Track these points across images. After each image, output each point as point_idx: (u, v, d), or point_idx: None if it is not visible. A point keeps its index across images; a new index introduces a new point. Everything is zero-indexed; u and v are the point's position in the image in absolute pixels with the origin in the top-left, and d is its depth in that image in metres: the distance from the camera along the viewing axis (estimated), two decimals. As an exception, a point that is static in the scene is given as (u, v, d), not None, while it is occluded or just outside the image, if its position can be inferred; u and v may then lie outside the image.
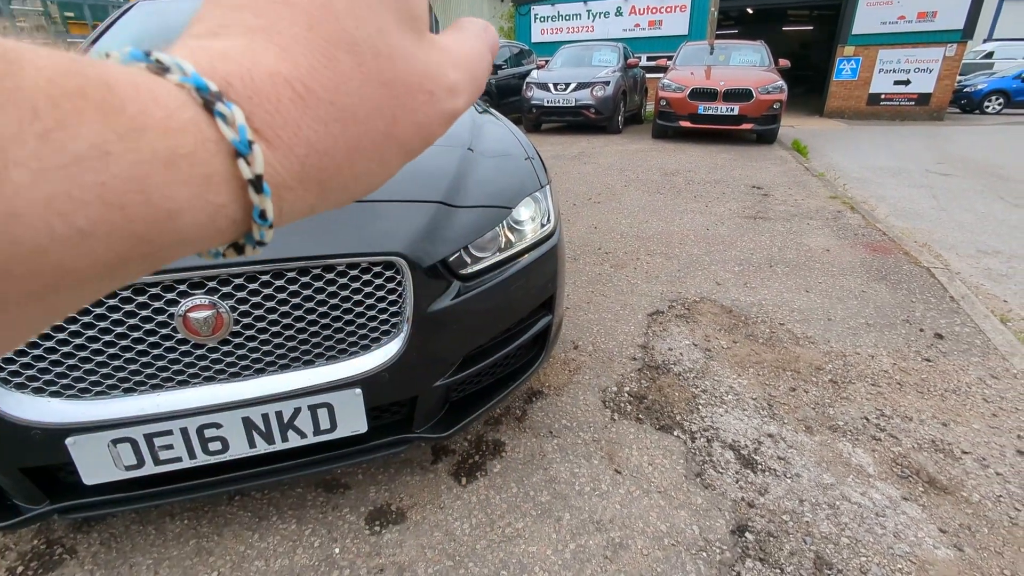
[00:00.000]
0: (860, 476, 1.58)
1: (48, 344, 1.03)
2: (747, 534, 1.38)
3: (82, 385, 1.07)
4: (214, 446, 1.15)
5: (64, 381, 1.06)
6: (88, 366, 1.06)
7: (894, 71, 13.30)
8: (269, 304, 1.11)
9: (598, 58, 10.08)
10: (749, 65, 8.73)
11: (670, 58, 9.72)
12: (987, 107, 15.34)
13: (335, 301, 1.16)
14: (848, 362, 2.19)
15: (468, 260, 1.32)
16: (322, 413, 1.19)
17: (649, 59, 12.91)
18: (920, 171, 6.27)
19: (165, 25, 2.61)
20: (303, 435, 1.20)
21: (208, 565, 1.28)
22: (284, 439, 1.19)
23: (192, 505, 1.44)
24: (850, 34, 13.20)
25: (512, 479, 1.54)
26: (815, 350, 2.28)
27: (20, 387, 1.05)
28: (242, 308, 1.10)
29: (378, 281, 1.18)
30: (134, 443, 1.09)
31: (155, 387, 1.11)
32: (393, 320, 1.22)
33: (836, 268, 3.16)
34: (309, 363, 1.19)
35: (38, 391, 1.06)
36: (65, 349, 1.04)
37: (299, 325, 1.15)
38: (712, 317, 2.57)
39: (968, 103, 15.43)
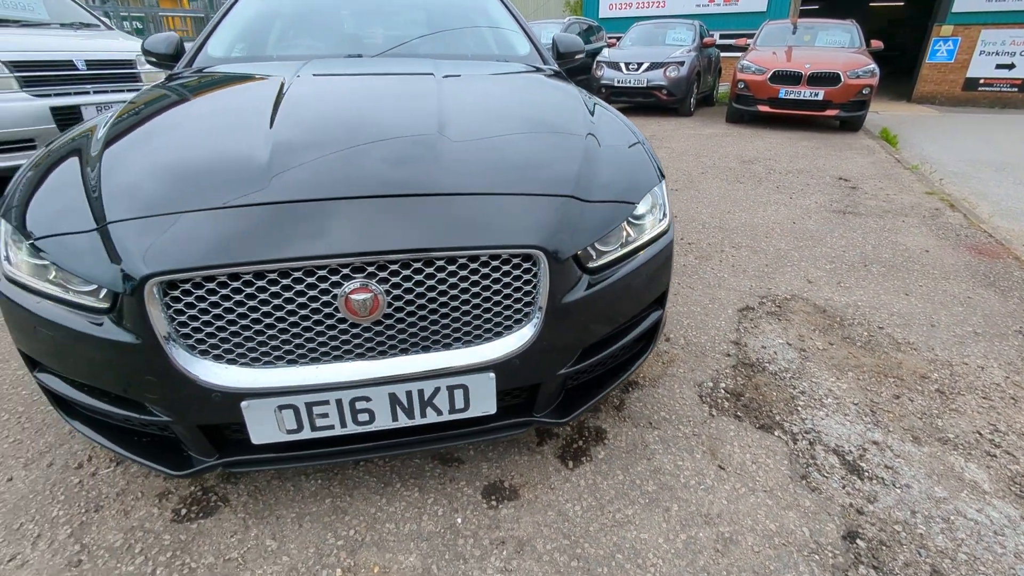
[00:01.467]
0: (975, 492, 1.54)
1: (229, 317, 1.14)
2: (858, 541, 1.38)
3: (254, 355, 1.19)
4: (362, 417, 1.25)
5: (240, 350, 1.18)
6: (261, 338, 1.17)
7: (997, 53, 12.19)
8: (418, 289, 1.19)
9: (672, 36, 9.73)
10: (837, 46, 8.21)
11: (748, 37, 9.27)
12: (1104, 95, 13.86)
13: (476, 289, 1.22)
14: (955, 372, 2.10)
15: (594, 254, 1.35)
16: (458, 393, 1.27)
17: (723, 37, 12.36)
18: (1026, 166, 5.79)
19: (274, 11, 2.73)
20: (439, 412, 1.29)
21: (345, 523, 1.40)
22: (423, 415, 1.28)
23: (323, 467, 1.56)
24: (950, 12, 12.15)
25: (617, 466, 1.59)
26: (918, 357, 2.20)
27: (204, 353, 1.17)
28: (395, 292, 1.18)
29: (516, 272, 1.24)
30: (296, 410, 1.20)
31: (313, 360, 1.21)
32: (526, 310, 1.28)
33: (937, 271, 3.00)
34: (447, 346, 1.27)
35: (218, 358, 1.18)
36: (243, 322, 1.15)
37: (443, 310, 1.23)
38: (805, 316, 2.51)
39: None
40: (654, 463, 1.61)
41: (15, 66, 4.19)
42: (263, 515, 1.43)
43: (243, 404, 1.17)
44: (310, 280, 1.14)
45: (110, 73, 4.75)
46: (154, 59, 2.51)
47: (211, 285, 1.12)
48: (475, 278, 1.22)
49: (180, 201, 1.20)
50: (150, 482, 1.53)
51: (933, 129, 8.55)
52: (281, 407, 1.19)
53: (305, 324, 1.17)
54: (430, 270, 1.18)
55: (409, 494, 1.49)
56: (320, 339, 1.19)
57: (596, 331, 1.41)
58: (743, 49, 8.90)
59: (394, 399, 1.24)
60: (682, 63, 8.65)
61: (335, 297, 1.15)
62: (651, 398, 1.91)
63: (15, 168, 4.31)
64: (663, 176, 1.63)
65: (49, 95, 4.35)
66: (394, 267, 1.16)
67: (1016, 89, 12.25)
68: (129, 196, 1.22)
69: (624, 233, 1.43)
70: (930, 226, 3.72)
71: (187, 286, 1.11)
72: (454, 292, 1.21)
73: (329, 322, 1.18)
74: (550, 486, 1.52)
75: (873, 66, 7.24)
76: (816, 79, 7.23)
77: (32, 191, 1.35)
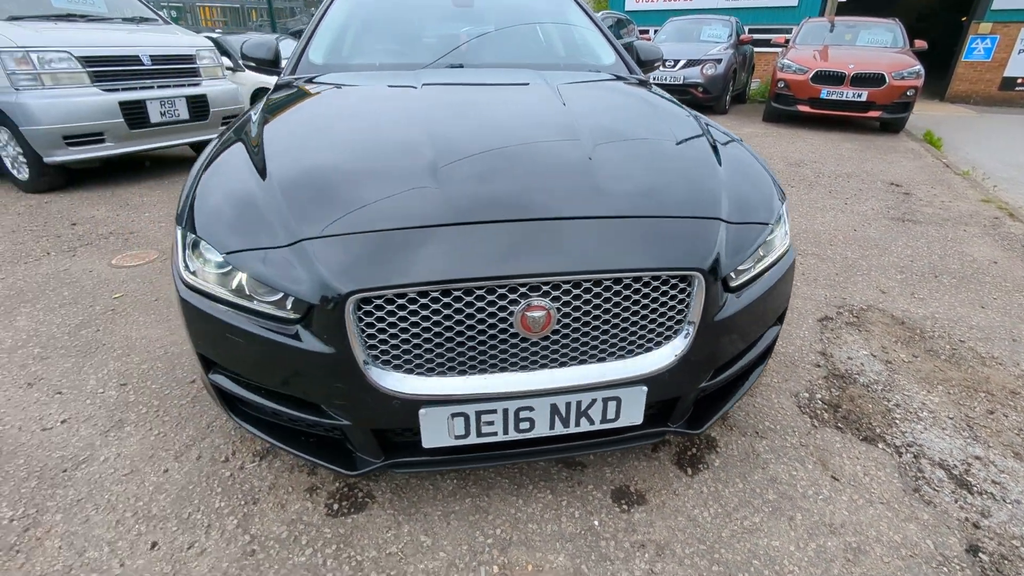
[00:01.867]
0: (1084, 509, 1.59)
1: (414, 330, 1.22)
2: (981, 555, 1.44)
3: (430, 365, 1.27)
4: (524, 425, 1.33)
5: (418, 361, 1.26)
6: (439, 350, 1.25)
7: (1037, 53, 11.96)
8: (585, 307, 1.26)
9: (707, 33, 9.66)
10: (880, 46, 8.11)
11: (778, 32, 9.18)
12: None
13: (635, 307, 1.29)
14: (1044, 388, 2.14)
15: (733, 274, 1.41)
16: (611, 405, 1.35)
17: (751, 31, 12.20)
18: (1078, 174, 5.73)
19: (366, 18, 2.80)
20: (591, 422, 1.36)
21: (489, 523, 1.49)
22: (576, 424, 1.36)
23: (458, 469, 1.65)
24: (989, 9, 11.91)
25: (735, 474, 1.66)
26: (1005, 372, 2.24)
27: (386, 364, 1.26)
28: (564, 309, 1.25)
29: (672, 291, 1.31)
30: (467, 417, 1.28)
31: (483, 371, 1.29)
32: (676, 326, 1.35)
33: (1010, 283, 3.02)
34: (602, 359, 1.34)
35: (398, 368, 1.26)
36: (426, 335, 1.23)
37: (603, 326, 1.30)
38: (884, 328, 2.55)
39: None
40: (769, 472, 1.68)
41: (87, 61, 4.30)
42: (410, 512, 1.52)
43: (421, 411, 1.25)
44: (491, 297, 1.21)
45: (172, 68, 4.84)
46: (253, 63, 2.58)
47: (401, 300, 1.19)
48: (635, 296, 1.28)
49: (367, 219, 1.28)
50: (295, 477, 1.62)
51: (975, 131, 8.45)
52: (454, 415, 1.27)
53: (480, 338, 1.25)
54: (597, 289, 1.26)
55: (543, 496, 1.58)
56: (492, 351, 1.27)
57: (734, 346, 1.47)
58: (779, 46, 8.83)
59: (554, 409, 1.32)
60: (719, 60, 8.60)
61: (511, 313, 1.23)
62: (752, 408, 1.97)
63: (87, 160, 4.44)
64: (784, 194, 1.68)
65: (117, 90, 4.46)
66: (567, 286, 1.24)
67: (1056, 90, 12.03)
68: (316, 213, 1.31)
69: (759, 252, 1.49)
70: (993, 236, 3.73)
71: (379, 301, 1.19)
72: (615, 309, 1.29)
73: (502, 336, 1.26)
74: (674, 492, 1.60)
75: (919, 67, 7.17)
76: (860, 80, 7.17)
77: (210, 200, 1.44)
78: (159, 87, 4.75)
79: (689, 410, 1.54)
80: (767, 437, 1.83)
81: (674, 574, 1.36)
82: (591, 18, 2.91)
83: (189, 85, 4.98)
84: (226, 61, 6.02)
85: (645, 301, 1.30)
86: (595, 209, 1.34)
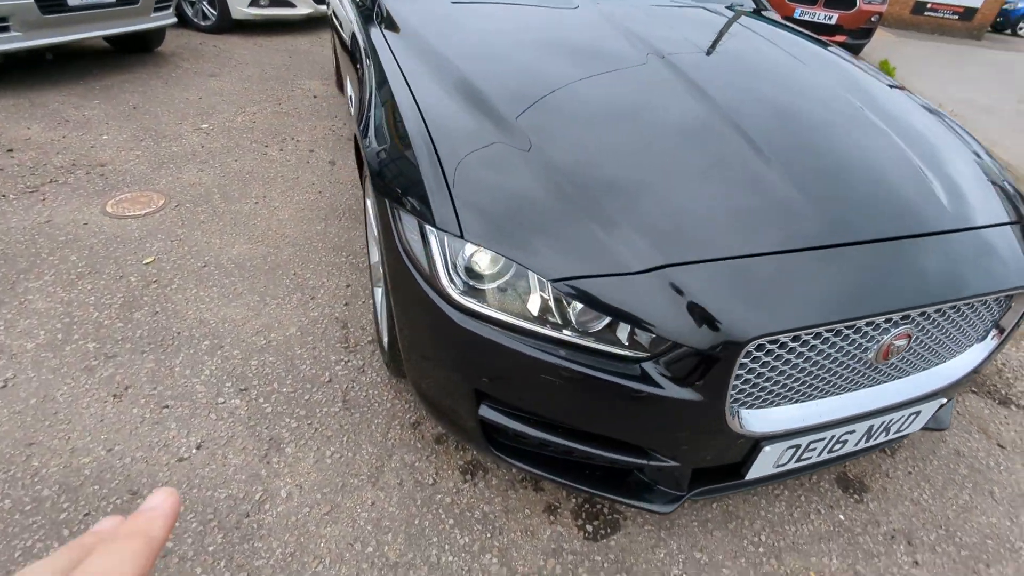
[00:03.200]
0: None
1: (779, 367, 1.06)
2: None
3: (772, 398, 1.13)
4: (836, 447, 1.26)
5: (764, 395, 1.12)
6: (789, 383, 1.11)
7: (948, -23, 12.67)
8: (927, 326, 1.17)
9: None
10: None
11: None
12: (1021, 29, 15.09)
13: (964, 321, 1.23)
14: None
15: None
16: (911, 418, 1.31)
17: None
18: (1012, 109, 6.32)
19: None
20: (887, 434, 1.32)
21: (748, 528, 1.45)
22: (878, 439, 1.31)
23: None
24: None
25: (926, 451, 1.75)
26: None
27: (739, 403, 1.10)
28: (914, 334, 1.15)
29: (997, 303, 1.25)
30: (797, 447, 1.19)
31: (819, 398, 1.18)
32: (983, 334, 1.31)
33: None
34: (908, 373, 1.28)
35: (749, 405, 1.11)
36: (787, 370, 1.08)
37: (932, 343, 1.22)
38: None
39: (1004, 21, 15.10)
40: (951, 446, 1.78)
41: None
42: (665, 526, 1.44)
43: (765, 448, 1.14)
44: (867, 329, 1.08)
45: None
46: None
47: (784, 339, 1.02)
48: (969, 311, 1.21)
49: (725, 234, 1.05)
50: (524, 496, 1.46)
51: (910, 60, 8.95)
52: (790, 447, 1.17)
53: (836, 368, 1.13)
54: (951, 311, 1.16)
55: (779, 493, 1.56)
56: (841, 379, 1.16)
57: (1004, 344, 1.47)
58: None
59: (869, 430, 1.26)
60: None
61: (875, 342, 1.10)
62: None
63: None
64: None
65: (20, -45, 3.30)
66: (931, 311, 1.13)
67: (957, 17, 12.95)
68: (645, 216, 1.06)
69: None
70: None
71: (767, 343, 1.01)
72: (948, 324, 1.21)
73: (856, 364, 1.14)
74: (886, 474, 1.66)
75: (885, -8, 7.28)
76: (833, 1, 7.18)
77: (482, 192, 1.12)
78: (75, -44, 3.58)
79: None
80: None
81: (936, 564, 1.44)
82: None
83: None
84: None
85: (973, 313, 1.23)
86: (936, 221, 1.21)
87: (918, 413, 1.30)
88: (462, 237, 1.07)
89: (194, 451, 1.47)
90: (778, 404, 1.15)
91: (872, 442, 1.31)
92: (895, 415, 1.26)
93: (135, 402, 1.58)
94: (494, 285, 1.07)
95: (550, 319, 1.04)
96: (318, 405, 1.64)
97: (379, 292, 1.87)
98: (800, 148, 1.32)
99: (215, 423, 1.55)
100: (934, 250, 1.15)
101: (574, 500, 1.47)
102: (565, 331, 1.04)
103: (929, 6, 13.06)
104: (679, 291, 0.99)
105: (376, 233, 1.55)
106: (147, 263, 2.14)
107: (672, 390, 1.02)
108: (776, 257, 1.04)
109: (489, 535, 1.36)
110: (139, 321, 1.87)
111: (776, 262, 1.04)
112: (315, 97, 3.86)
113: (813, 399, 1.18)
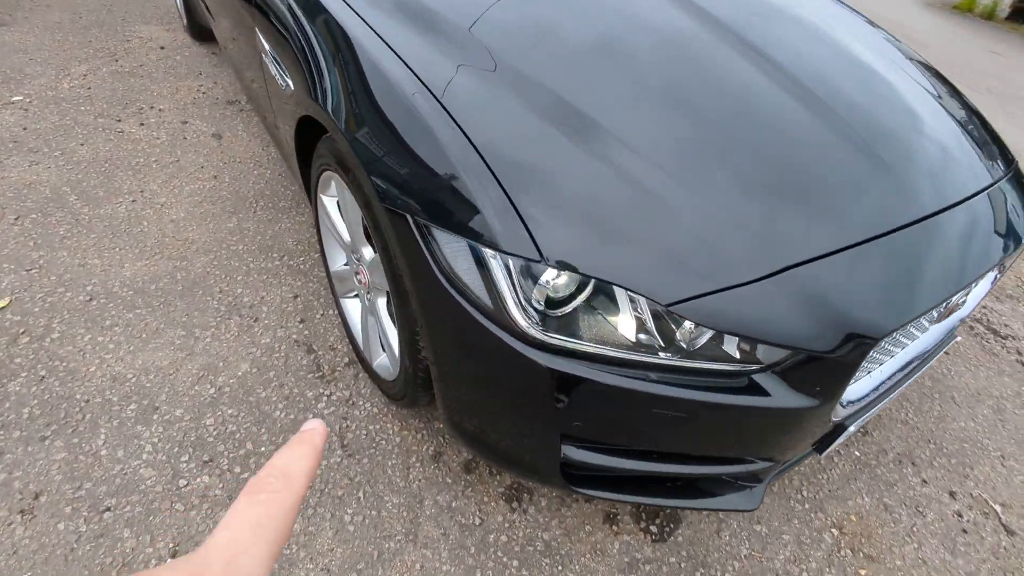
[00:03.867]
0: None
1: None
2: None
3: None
4: (887, 395, 1.27)
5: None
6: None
7: None
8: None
9: None
10: None
11: None
12: None
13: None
14: None
15: None
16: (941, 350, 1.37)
17: None
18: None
19: None
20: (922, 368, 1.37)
21: (788, 485, 1.48)
22: (914, 376, 1.35)
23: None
24: None
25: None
26: None
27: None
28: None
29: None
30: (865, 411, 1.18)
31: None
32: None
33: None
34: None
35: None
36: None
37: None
38: None
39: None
40: None
41: None
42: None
43: (850, 427, 1.11)
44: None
45: None
46: None
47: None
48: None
49: (828, 228, 0.94)
50: (577, 512, 1.34)
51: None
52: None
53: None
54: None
55: (802, 442, 1.60)
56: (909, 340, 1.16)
57: None
58: None
59: (912, 370, 1.28)
60: None
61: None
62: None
63: None
64: None
65: None
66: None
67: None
68: (763, 218, 0.91)
69: None
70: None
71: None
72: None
73: (926, 323, 1.14)
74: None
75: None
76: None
77: (549, 193, 0.88)
78: None
79: None
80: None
81: (938, 478, 1.58)
82: None
83: None
84: None
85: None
86: (986, 175, 1.20)
87: (947, 342, 1.36)
88: (542, 260, 0.84)
89: (170, 560, 1.13)
90: (858, 379, 1.12)
91: (910, 381, 1.36)
92: (935, 352, 1.30)
93: (57, 514, 1.17)
94: (572, 310, 0.87)
95: (645, 342, 0.88)
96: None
97: (350, 304, 1.55)
98: (866, 115, 1.21)
99: (186, 515, 1.20)
100: (996, 203, 1.14)
101: (629, 509, 1.38)
102: (663, 353, 0.89)
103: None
104: (804, 293, 0.87)
105: (370, 248, 1.24)
106: (0, 308, 1.58)
107: (784, 399, 0.93)
108: (888, 239, 0.96)
109: (560, 567, 1.23)
110: (20, 396, 1.37)
111: (888, 244, 0.96)
112: (162, 48, 3.06)
113: (885, 364, 1.17)
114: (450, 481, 1.35)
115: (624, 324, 0.88)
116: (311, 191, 1.48)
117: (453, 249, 0.90)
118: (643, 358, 0.89)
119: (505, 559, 1.23)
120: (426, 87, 1.00)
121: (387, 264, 1.08)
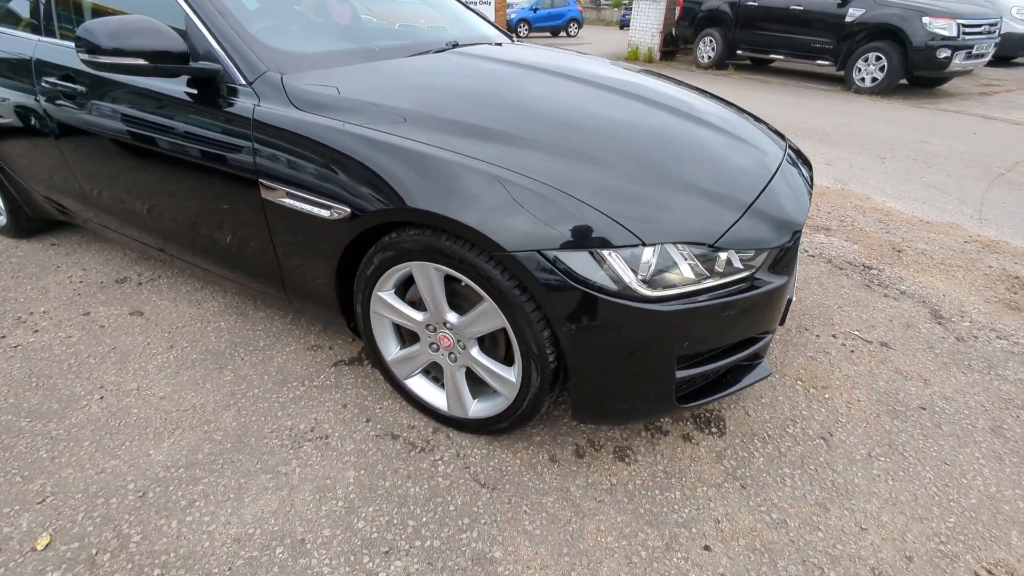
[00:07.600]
0: None
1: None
2: (827, 263, 3.05)
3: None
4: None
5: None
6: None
7: None
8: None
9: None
10: None
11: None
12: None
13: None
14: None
15: None
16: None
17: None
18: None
19: None
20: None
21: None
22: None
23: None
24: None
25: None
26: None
27: (782, 277, 1.68)
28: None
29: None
30: (792, 293, 1.86)
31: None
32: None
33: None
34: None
35: (780, 277, 1.71)
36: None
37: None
38: None
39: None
40: None
41: None
42: (737, 398, 1.96)
43: (792, 299, 1.76)
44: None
45: None
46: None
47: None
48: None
49: (743, 180, 1.58)
50: (668, 442, 1.75)
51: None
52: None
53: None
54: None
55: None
56: None
57: None
58: None
59: None
60: None
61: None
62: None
63: None
64: None
65: None
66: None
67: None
68: (715, 183, 1.51)
69: None
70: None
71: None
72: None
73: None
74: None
75: None
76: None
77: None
78: None
79: None
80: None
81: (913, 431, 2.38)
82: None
83: None
84: None
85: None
86: (780, 149, 2.02)
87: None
88: (643, 244, 1.30)
89: (426, 630, 1.22)
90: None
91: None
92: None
93: (297, 656, 1.16)
94: (657, 272, 1.33)
95: (700, 275, 1.39)
96: (466, 513, 1.51)
97: (414, 383, 1.76)
98: (721, 117, 1.94)
99: (407, 595, 1.29)
100: (791, 156, 1.95)
101: (681, 421, 1.84)
102: (710, 280, 1.40)
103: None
104: (767, 214, 1.48)
105: (454, 313, 1.52)
106: (43, 548, 1.38)
107: (776, 281, 1.52)
108: (776, 175, 1.64)
109: (672, 479, 1.62)
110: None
111: (779, 178, 1.64)
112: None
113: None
114: (575, 469, 1.65)
115: (685, 270, 1.37)
116: (358, 298, 1.67)
117: (578, 261, 1.29)
118: (706, 284, 1.38)
119: (647, 492, 1.58)
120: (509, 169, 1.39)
121: (506, 303, 1.40)
